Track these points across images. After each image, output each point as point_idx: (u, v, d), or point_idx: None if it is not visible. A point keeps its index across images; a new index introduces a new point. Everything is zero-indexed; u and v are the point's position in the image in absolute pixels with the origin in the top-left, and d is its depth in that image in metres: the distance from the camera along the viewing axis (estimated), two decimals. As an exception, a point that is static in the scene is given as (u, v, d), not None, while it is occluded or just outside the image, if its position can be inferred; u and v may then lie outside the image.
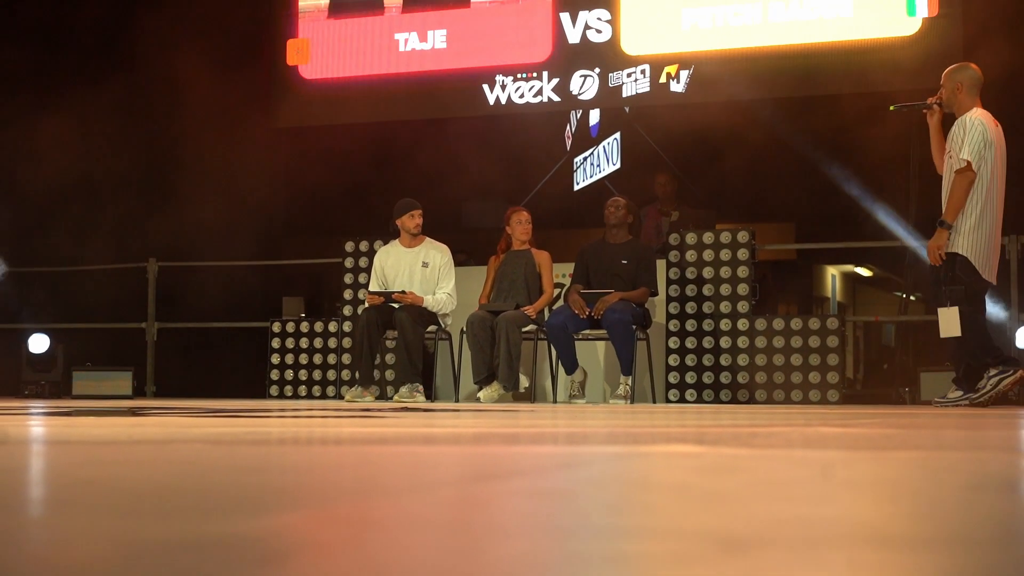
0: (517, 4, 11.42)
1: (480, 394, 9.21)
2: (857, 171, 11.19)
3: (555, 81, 11.44)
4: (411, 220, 9.58)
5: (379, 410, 6.60)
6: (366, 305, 9.59)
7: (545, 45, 11.32)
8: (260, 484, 2.03)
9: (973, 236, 7.42)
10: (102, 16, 12.11)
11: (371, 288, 9.63)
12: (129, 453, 2.85)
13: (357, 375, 9.48)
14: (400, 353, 9.30)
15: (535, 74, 11.52)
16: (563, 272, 9.91)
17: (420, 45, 11.72)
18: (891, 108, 7.89)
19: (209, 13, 12.09)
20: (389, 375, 10.27)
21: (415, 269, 9.56)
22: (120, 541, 1.32)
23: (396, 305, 9.37)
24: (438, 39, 11.67)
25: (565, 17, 11.35)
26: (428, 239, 9.69)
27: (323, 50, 12.02)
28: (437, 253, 9.62)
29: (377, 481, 2.13)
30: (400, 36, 11.78)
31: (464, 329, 9.47)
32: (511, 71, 11.41)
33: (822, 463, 2.58)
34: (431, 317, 9.47)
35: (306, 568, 1.16)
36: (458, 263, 10.06)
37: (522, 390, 9.38)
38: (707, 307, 9.70)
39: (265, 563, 1.19)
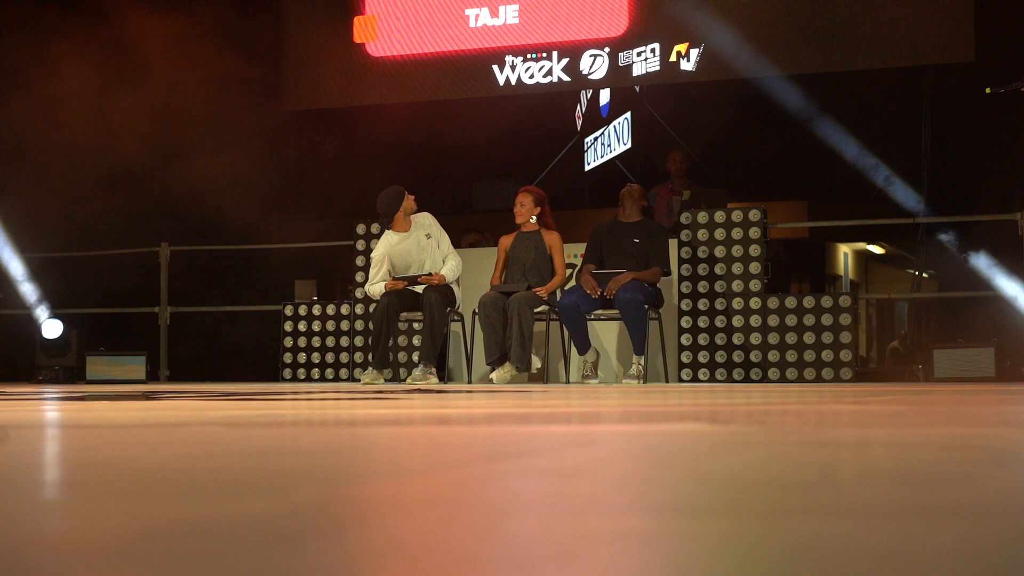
0: None
1: (492, 375, 9.20)
2: (869, 148, 11.17)
3: (565, 61, 11.42)
4: (410, 202, 9.52)
5: (393, 392, 6.62)
6: (384, 290, 9.50)
7: (621, 18, 11.16)
8: (274, 466, 2.04)
9: None
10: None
11: (376, 279, 9.52)
12: (143, 436, 2.86)
13: (371, 357, 9.48)
14: (425, 334, 9.25)
15: (544, 54, 11.49)
16: (575, 252, 9.90)
17: (492, 20, 11.60)
18: (987, 91, 7.77)
19: None
20: (402, 357, 10.27)
21: (423, 245, 9.52)
22: (135, 522, 1.33)
23: (419, 289, 9.33)
24: (510, 14, 11.54)
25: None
26: (413, 215, 9.61)
27: (389, 27, 11.87)
28: (427, 221, 9.57)
29: (391, 461, 2.13)
30: (471, 11, 11.68)
31: (476, 310, 9.47)
32: (586, 46, 11.25)
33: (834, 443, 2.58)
34: (452, 298, 9.46)
35: (321, 548, 1.16)
36: (471, 244, 10.07)
37: (534, 371, 9.38)
38: (719, 286, 9.69)
39: (280, 543, 1.19)
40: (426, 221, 9.56)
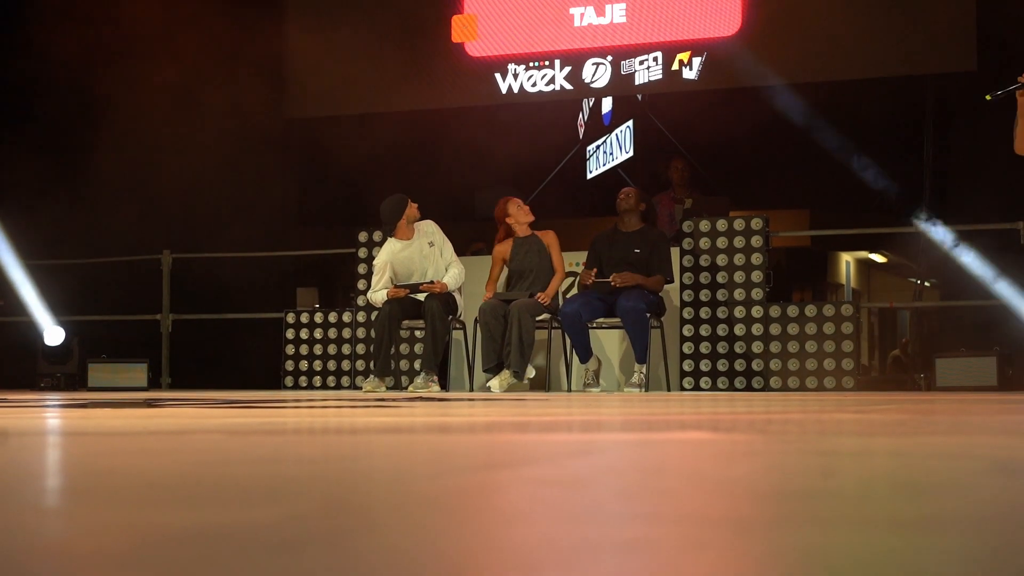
0: None
1: (490, 383, 9.20)
2: (871, 157, 11.17)
3: (567, 69, 11.42)
4: (413, 209, 9.54)
5: (394, 400, 6.61)
6: (386, 298, 9.51)
7: (734, 18, 11.05)
8: (276, 474, 2.04)
9: None
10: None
11: (378, 287, 9.53)
12: (144, 444, 2.86)
13: (373, 365, 9.49)
14: (427, 342, 9.27)
15: (547, 62, 11.49)
16: (576, 261, 9.89)
17: (598, 19, 11.45)
18: (987, 98, 7.75)
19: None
20: (404, 365, 10.27)
21: (425, 252, 9.54)
22: (137, 530, 1.33)
23: (421, 297, 9.35)
24: (616, 13, 11.39)
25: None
26: (416, 222, 9.62)
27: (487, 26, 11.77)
28: (430, 229, 9.60)
29: (392, 469, 2.13)
30: (575, 10, 11.53)
31: (477, 318, 9.46)
32: (698, 46, 11.13)
33: (829, 459, 2.58)
34: (454, 306, 9.47)
35: (322, 556, 1.16)
36: (474, 252, 10.06)
37: (526, 381, 9.35)
38: (721, 295, 9.68)
39: (282, 551, 1.19)
40: (429, 229, 9.57)
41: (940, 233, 10.15)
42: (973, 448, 2.62)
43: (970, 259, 9.89)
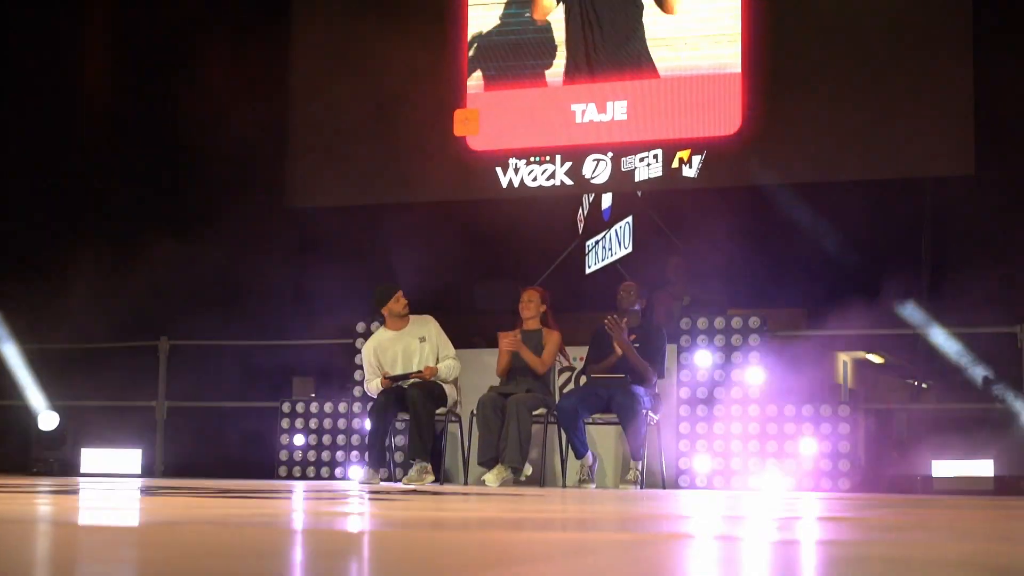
0: (703, 76, 11.16)
1: (485, 477, 9.15)
2: (870, 257, 11.20)
3: (568, 165, 11.49)
4: (397, 304, 9.59)
5: (388, 492, 6.57)
6: (377, 389, 9.55)
7: (735, 118, 11.09)
8: (262, 571, 2.02)
9: None
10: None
11: (371, 377, 9.56)
12: (135, 536, 2.84)
13: (367, 457, 9.46)
14: (412, 430, 9.27)
15: (548, 158, 11.56)
16: (575, 355, 9.89)
17: (599, 116, 11.52)
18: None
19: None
20: (399, 457, 10.23)
21: (413, 348, 9.55)
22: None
23: (407, 385, 9.38)
24: (618, 110, 11.47)
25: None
26: (412, 316, 9.67)
27: (488, 121, 11.80)
28: (427, 324, 9.63)
29: (384, 568, 2.11)
30: (577, 107, 11.61)
31: (474, 411, 9.44)
32: (698, 145, 11.17)
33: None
34: (442, 398, 9.45)
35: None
36: (470, 345, 10.05)
37: (523, 478, 9.30)
38: (718, 392, 9.66)
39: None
40: (426, 326, 9.59)
41: (912, 314, 10.20)
42: (972, 556, 2.60)
43: (950, 347, 9.91)
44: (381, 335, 9.60)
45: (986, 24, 10.32)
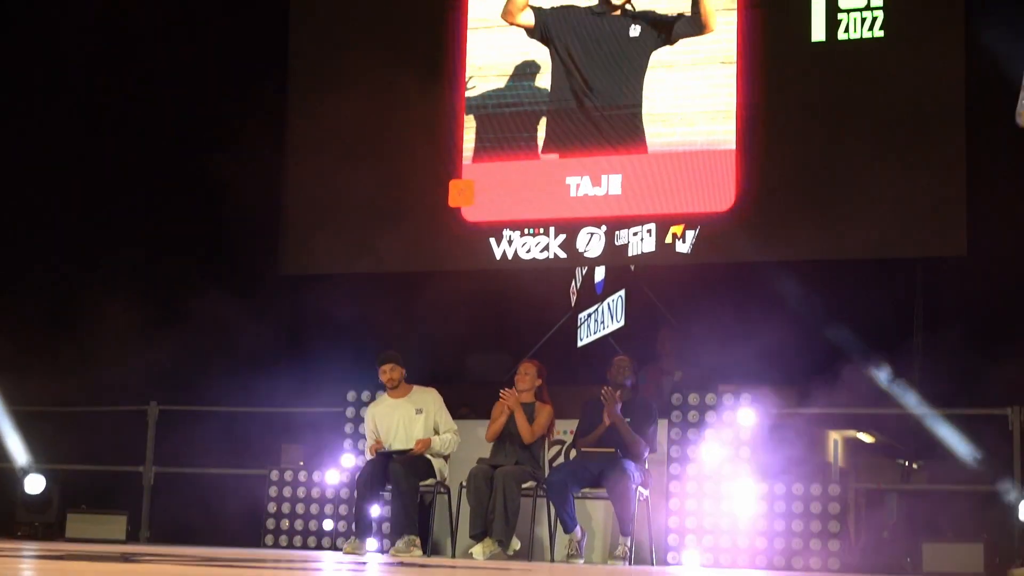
0: (698, 152, 11.23)
1: (473, 550, 9.12)
2: (861, 337, 11.20)
3: (562, 237, 11.52)
4: (383, 375, 9.71)
5: (374, 564, 6.53)
6: (368, 457, 9.58)
7: (728, 194, 11.11)
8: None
9: None
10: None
11: (369, 442, 9.69)
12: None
13: (354, 527, 9.43)
14: (395, 503, 9.29)
15: (542, 230, 11.58)
16: (564, 429, 9.89)
17: (593, 190, 11.54)
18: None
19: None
20: (386, 528, 10.17)
21: (410, 418, 9.59)
22: None
23: (390, 452, 9.41)
24: (612, 184, 11.48)
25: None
26: (416, 387, 9.74)
27: (483, 192, 11.83)
28: (428, 397, 9.68)
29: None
30: (572, 180, 11.62)
31: (464, 484, 9.41)
32: (692, 220, 11.16)
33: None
34: (428, 469, 9.44)
35: None
36: (461, 416, 10.05)
37: (511, 553, 9.26)
38: (708, 469, 9.64)
39: None
40: (426, 398, 9.65)
41: (903, 393, 10.21)
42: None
43: (940, 428, 9.91)
44: (382, 401, 9.72)
45: (978, 107, 10.40)
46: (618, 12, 11.48)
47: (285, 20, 12.62)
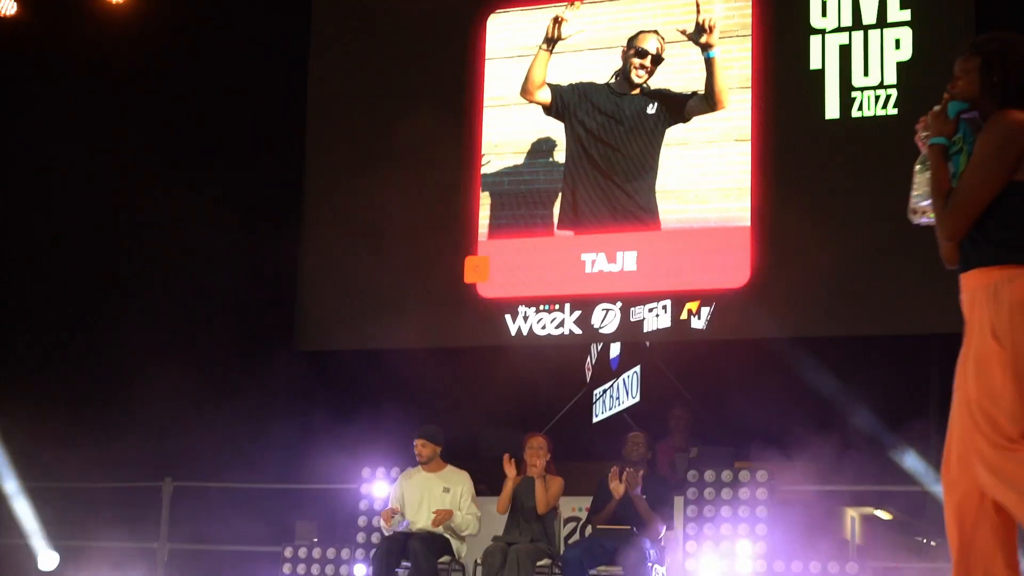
0: (712, 228, 11.23)
1: (487, 630, 9.07)
2: (878, 414, 11.16)
3: (577, 314, 11.52)
4: (415, 449, 9.76)
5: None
6: (382, 524, 9.60)
7: (744, 271, 11.14)
8: None
9: None
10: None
11: (389, 505, 9.67)
12: None
13: (369, 604, 9.39)
14: (414, 583, 9.23)
15: (557, 306, 11.59)
16: (579, 506, 9.85)
17: (609, 266, 11.54)
18: None
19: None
20: (401, 605, 10.11)
21: (435, 494, 9.61)
22: None
23: (410, 531, 9.36)
24: (628, 261, 11.49)
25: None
26: (450, 466, 9.79)
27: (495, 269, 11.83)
28: (458, 479, 9.72)
29: None
30: (587, 256, 11.63)
31: (478, 561, 9.37)
32: (707, 296, 11.15)
33: None
34: (445, 548, 9.40)
35: None
36: (478, 492, 10.03)
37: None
38: (724, 546, 9.58)
39: None
40: (456, 479, 9.67)
41: (921, 470, 10.15)
42: None
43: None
44: (415, 473, 9.77)
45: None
46: (637, 91, 11.56)
47: (303, 104, 12.74)
